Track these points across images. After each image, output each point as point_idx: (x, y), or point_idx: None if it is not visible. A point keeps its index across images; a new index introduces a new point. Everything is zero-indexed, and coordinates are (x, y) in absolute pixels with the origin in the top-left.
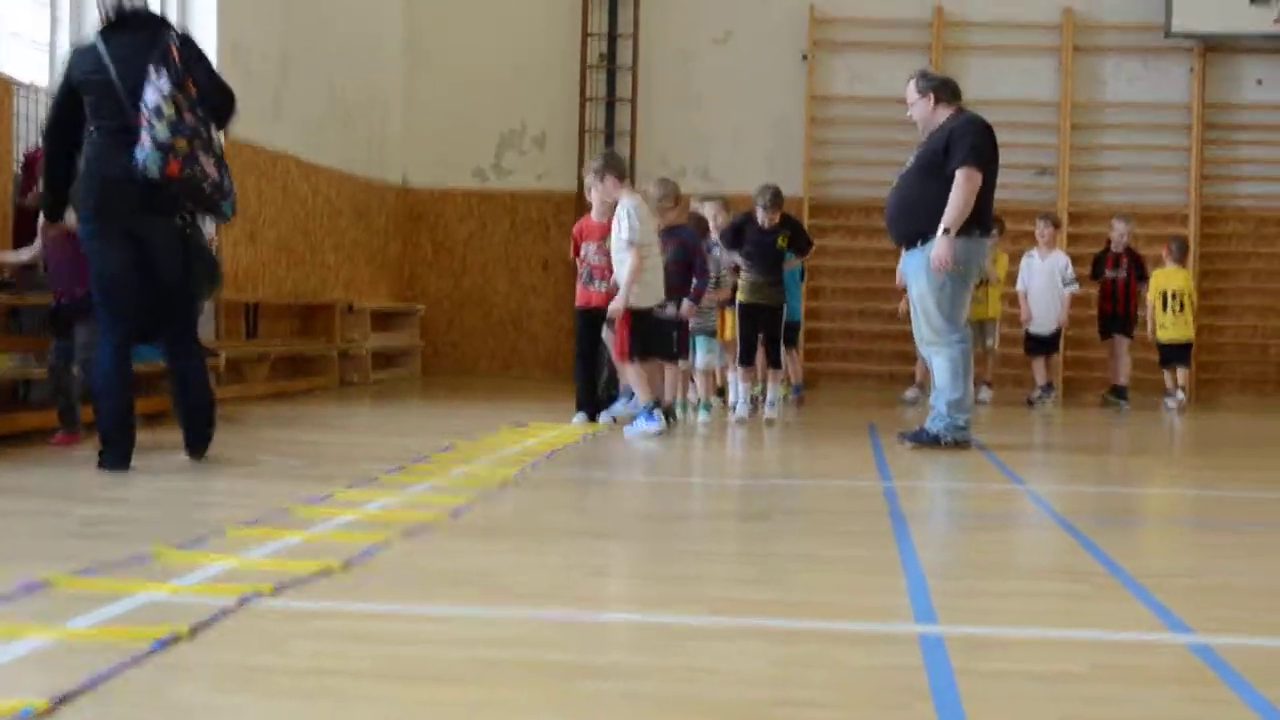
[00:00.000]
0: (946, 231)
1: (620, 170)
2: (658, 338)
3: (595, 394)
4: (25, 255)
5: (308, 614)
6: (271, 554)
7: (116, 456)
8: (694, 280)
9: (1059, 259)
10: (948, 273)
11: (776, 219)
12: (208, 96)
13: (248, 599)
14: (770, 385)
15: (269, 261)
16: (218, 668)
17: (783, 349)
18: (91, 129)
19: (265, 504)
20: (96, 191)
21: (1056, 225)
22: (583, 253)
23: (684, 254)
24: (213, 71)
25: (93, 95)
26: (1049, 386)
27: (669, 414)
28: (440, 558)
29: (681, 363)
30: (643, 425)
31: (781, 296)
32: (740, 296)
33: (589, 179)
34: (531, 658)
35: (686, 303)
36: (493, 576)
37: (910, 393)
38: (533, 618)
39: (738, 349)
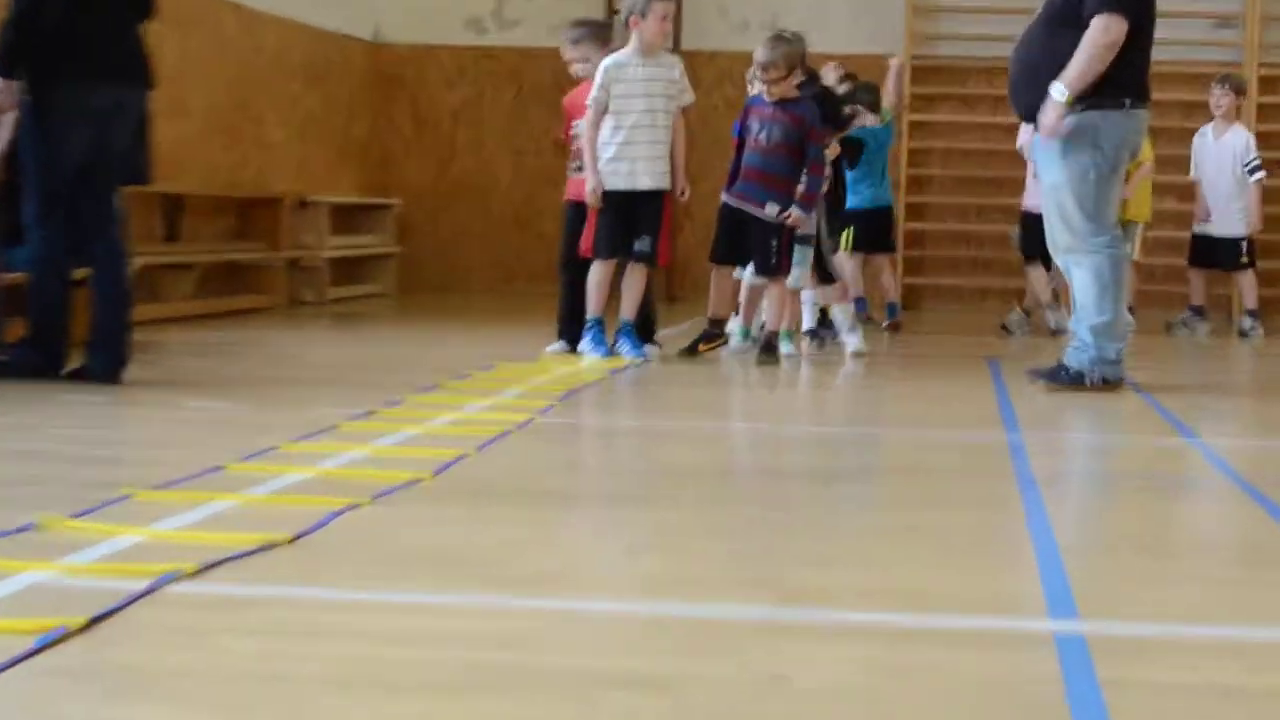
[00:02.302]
0: (1061, 92)
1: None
2: (753, 244)
3: (581, 315)
4: None
5: (242, 602)
6: (195, 524)
7: (53, 359)
8: (805, 175)
9: (1238, 137)
10: (1092, 158)
11: (784, 85)
12: None
13: (162, 582)
14: (836, 306)
15: (195, 140)
16: (121, 672)
17: (828, 256)
18: None
19: (187, 458)
20: (86, 51)
21: (1239, 92)
22: (573, 131)
23: (794, 136)
24: None
25: None
26: (1200, 311)
27: (770, 346)
28: (419, 530)
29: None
30: (586, 346)
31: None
32: None
33: (566, 49)
34: (541, 661)
35: (795, 208)
36: (489, 554)
37: (1014, 316)
38: (543, 608)
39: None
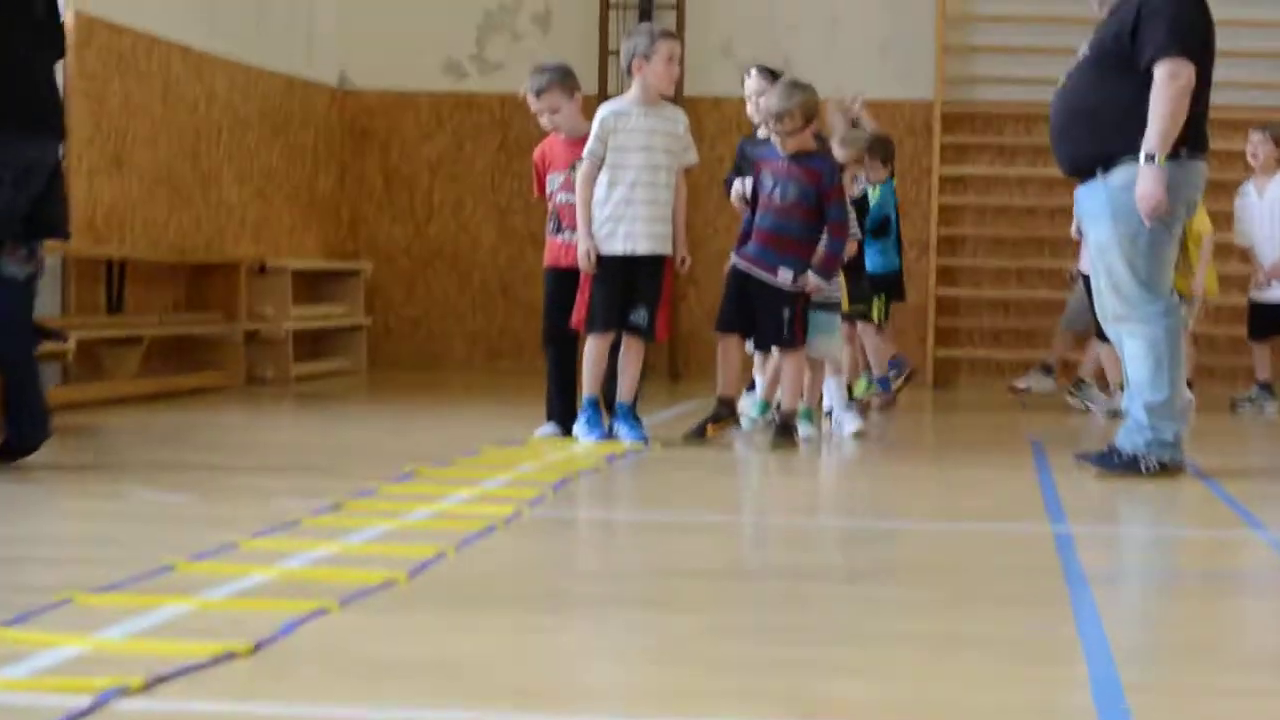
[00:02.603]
0: (1151, 159)
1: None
2: (761, 312)
3: (572, 395)
4: None
5: None
6: (144, 631)
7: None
8: (825, 238)
9: None
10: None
11: (801, 136)
12: None
13: (107, 698)
14: (831, 379)
15: (140, 199)
16: None
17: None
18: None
19: (134, 557)
20: (8, 103)
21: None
22: (548, 189)
23: (811, 194)
24: None
25: None
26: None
27: (787, 428)
28: (393, 638)
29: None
30: (581, 429)
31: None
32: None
33: (531, 100)
34: None
35: (812, 275)
36: (471, 665)
37: (1025, 381)
38: None
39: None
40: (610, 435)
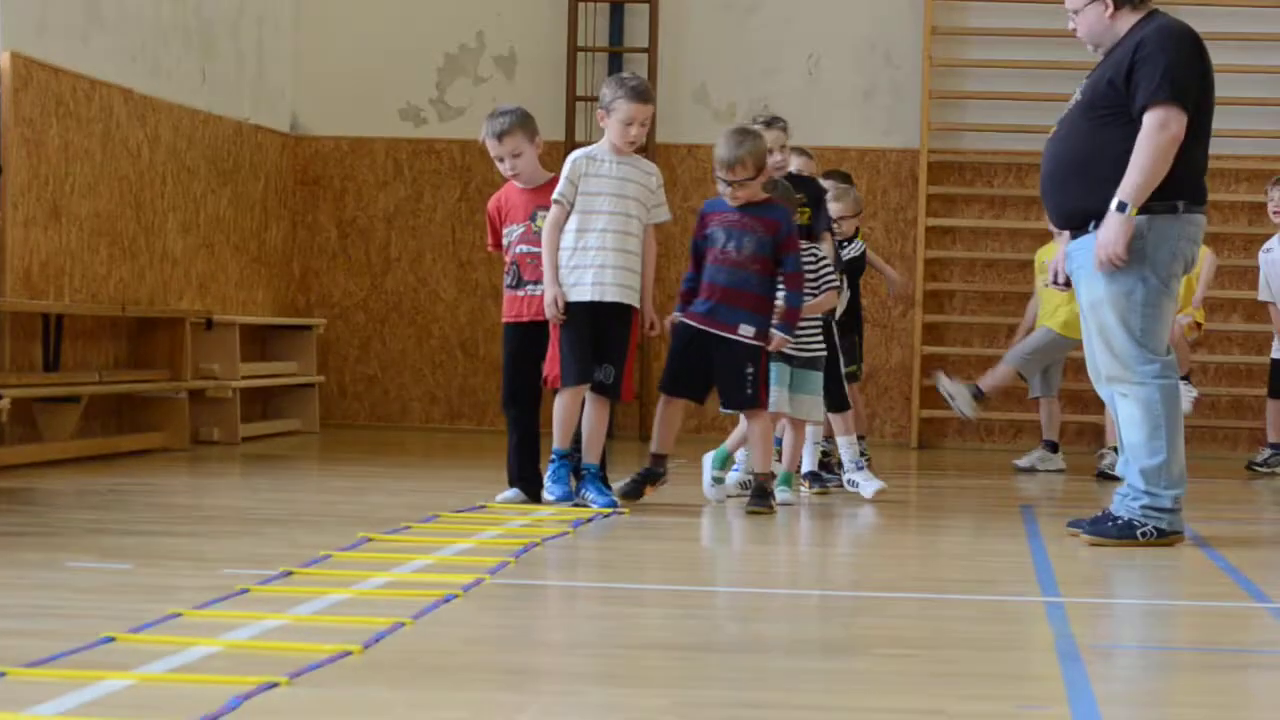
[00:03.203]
0: (1122, 208)
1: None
2: (720, 372)
3: (534, 458)
4: None
5: None
6: (79, 708)
7: None
8: (781, 291)
9: None
10: (1139, 272)
11: (752, 187)
12: None
13: None
14: (842, 439)
15: (80, 251)
16: None
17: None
18: None
19: (70, 629)
20: None
21: None
22: (505, 241)
23: (768, 246)
24: None
25: None
26: None
27: (762, 491)
28: (346, 714)
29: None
30: (548, 482)
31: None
32: None
33: (491, 145)
34: None
35: (776, 330)
36: None
37: (1028, 459)
38: None
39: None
40: (578, 498)
